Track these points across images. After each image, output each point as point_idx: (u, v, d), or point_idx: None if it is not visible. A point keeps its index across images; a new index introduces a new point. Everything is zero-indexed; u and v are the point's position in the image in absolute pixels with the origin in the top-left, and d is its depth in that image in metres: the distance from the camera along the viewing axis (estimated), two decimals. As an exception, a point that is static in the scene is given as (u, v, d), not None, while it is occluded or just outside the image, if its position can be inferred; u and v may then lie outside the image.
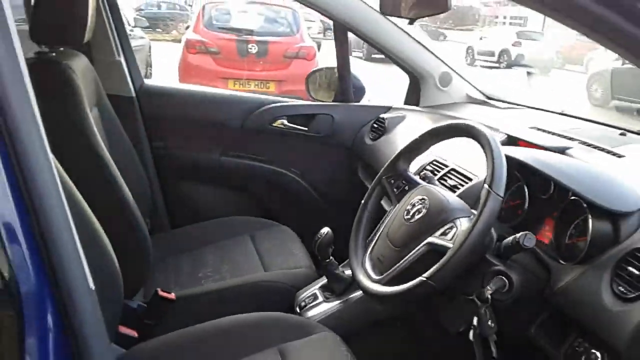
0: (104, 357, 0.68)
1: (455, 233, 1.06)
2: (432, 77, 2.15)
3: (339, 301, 1.49)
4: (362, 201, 1.33)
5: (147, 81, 2.11)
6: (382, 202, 1.37)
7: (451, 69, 2.17)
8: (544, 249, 1.15)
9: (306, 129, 2.15)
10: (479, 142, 1.11)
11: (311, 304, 1.51)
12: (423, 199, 1.17)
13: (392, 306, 1.38)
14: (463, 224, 1.07)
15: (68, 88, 1.37)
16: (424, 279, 1.02)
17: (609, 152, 1.39)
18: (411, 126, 1.99)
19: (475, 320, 1.05)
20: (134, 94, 2.01)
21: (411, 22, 1.22)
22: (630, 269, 0.97)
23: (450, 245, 1.03)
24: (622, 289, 0.96)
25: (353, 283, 1.50)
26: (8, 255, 0.55)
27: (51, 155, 0.64)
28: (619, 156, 1.37)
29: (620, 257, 1.00)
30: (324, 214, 1.56)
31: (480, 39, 16.50)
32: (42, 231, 0.59)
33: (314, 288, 1.56)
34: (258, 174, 2.17)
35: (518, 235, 1.03)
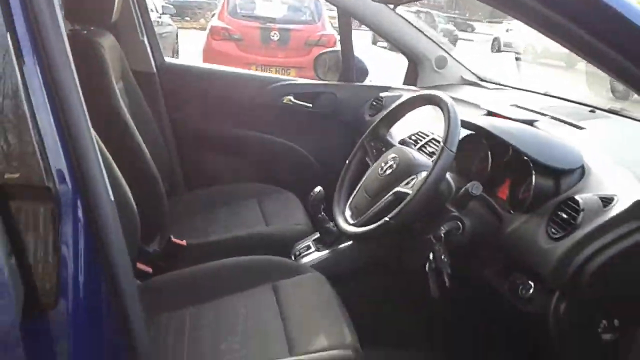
0: (126, 268, 0.85)
1: (415, 182, 1.25)
2: (428, 60, 2.33)
3: (327, 251, 1.70)
4: (347, 161, 1.53)
5: (167, 59, 2.33)
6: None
7: (447, 53, 2.34)
8: (500, 203, 1.34)
9: (311, 105, 2.35)
10: (440, 108, 1.30)
11: (304, 253, 1.72)
12: (395, 156, 1.36)
13: (369, 251, 1.58)
14: (422, 175, 1.26)
15: (98, 61, 1.59)
16: (387, 219, 1.22)
17: (572, 125, 1.57)
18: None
19: (431, 256, 1.24)
20: (155, 70, 2.23)
21: (394, 7, 1.40)
22: (561, 214, 1.15)
23: (410, 191, 1.23)
24: (554, 230, 1.14)
25: (340, 235, 1.71)
26: (50, 163, 0.74)
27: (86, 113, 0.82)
28: (580, 128, 1.54)
29: (557, 204, 1.18)
30: (324, 181, 1.75)
31: (507, 31, 16.42)
32: (77, 156, 0.78)
33: (309, 241, 1.77)
34: (266, 145, 2.38)
35: (468, 184, 1.22)
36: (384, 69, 3.28)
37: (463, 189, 1.23)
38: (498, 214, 1.31)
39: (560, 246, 1.10)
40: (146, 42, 2.21)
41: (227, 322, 1.35)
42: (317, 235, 1.76)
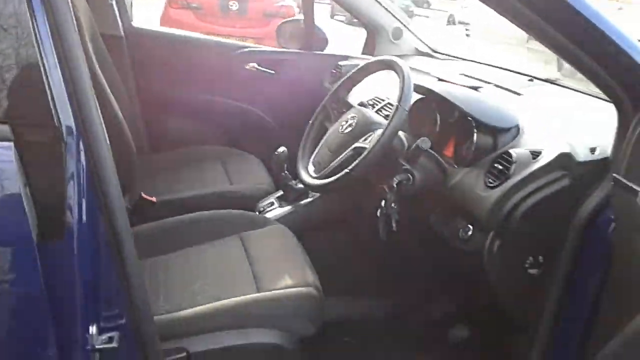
0: (121, 205, 0.92)
1: (371, 138, 1.39)
2: (385, 31, 2.46)
3: (290, 206, 1.83)
4: (310, 121, 1.66)
5: (134, 23, 2.38)
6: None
7: (403, 24, 2.48)
8: (446, 159, 1.50)
9: (274, 72, 2.45)
10: (395, 72, 1.44)
11: (268, 209, 1.85)
12: (354, 116, 1.50)
13: (327, 205, 1.72)
14: (378, 132, 1.40)
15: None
16: (347, 171, 1.36)
17: (511, 91, 1.74)
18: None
19: (383, 203, 1.40)
20: (122, 34, 2.28)
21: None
22: (498, 166, 1.32)
23: (367, 146, 1.37)
24: (490, 180, 1.31)
25: (303, 193, 1.85)
26: (57, 105, 0.84)
27: None
28: (518, 94, 1.71)
29: (494, 158, 1.35)
30: (286, 145, 1.87)
31: (462, 8, 16.72)
32: (78, 101, 0.87)
33: (272, 198, 1.90)
34: (230, 110, 2.47)
35: (418, 140, 1.37)
36: (341, 41, 3.39)
37: (414, 144, 1.38)
38: (444, 169, 1.47)
39: (495, 193, 1.27)
40: (114, 5, 2.25)
41: (198, 267, 1.47)
42: (280, 192, 1.89)
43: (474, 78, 1.91)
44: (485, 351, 1.61)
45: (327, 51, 2.58)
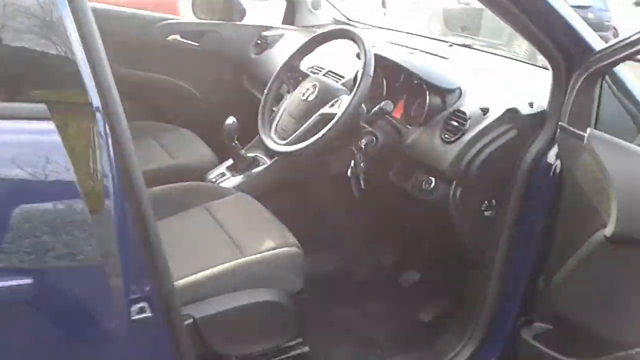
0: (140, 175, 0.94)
1: (339, 104, 1.48)
2: (305, 1, 2.52)
3: (242, 175, 1.87)
4: (265, 91, 1.70)
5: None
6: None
7: (322, -5, 2.56)
8: (397, 119, 1.63)
9: (197, 44, 2.42)
10: (354, 41, 1.54)
11: (220, 180, 1.87)
12: (315, 84, 1.57)
13: (282, 170, 1.79)
14: (345, 98, 1.49)
15: None
16: (322, 135, 1.44)
17: (439, 56, 1.90)
18: (289, 43, 2.36)
19: (352, 163, 1.50)
20: None
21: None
22: (452, 122, 1.47)
23: (336, 111, 1.46)
24: (447, 136, 1.46)
25: (252, 161, 1.89)
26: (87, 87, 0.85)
27: None
28: (445, 58, 1.88)
29: (447, 116, 1.50)
30: (214, 117, 1.87)
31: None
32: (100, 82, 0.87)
33: (222, 168, 1.92)
34: (154, 84, 2.41)
35: (382, 103, 1.48)
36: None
37: (377, 107, 1.49)
38: (398, 129, 1.60)
39: (455, 147, 1.43)
40: None
41: (174, 239, 1.46)
42: (229, 162, 1.92)
43: (402, 46, 2.05)
44: (433, 292, 1.80)
45: (245, 21, 2.60)
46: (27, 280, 0.80)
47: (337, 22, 2.60)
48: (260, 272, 1.35)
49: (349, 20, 2.61)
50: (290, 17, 2.57)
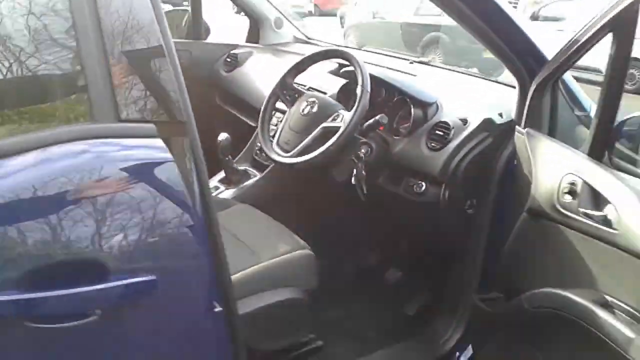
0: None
1: (342, 118, 1.65)
2: (268, 20, 2.67)
3: (236, 188, 1.98)
4: (262, 108, 1.84)
5: None
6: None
7: (282, 15, 2.72)
8: (382, 131, 1.83)
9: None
10: (349, 61, 1.72)
11: (215, 193, 1.98)
12: (314, 100, 1.73)
13: (277, 181, 1.93)
14: (346, 113, 1.66)
15: None
16: (329, 146, 1.60)
17: (407, 73, 2.12)
18: (260, 59, 2.51)
19: (354, 171, 1.67)
20: None
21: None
22: (437, 132, 1.69)
23: (340, 125, 1.63)
24: (433, 144, 1.67)
25: (244, 174, 2.01)
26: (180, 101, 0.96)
27: None
28: (414, 75, 2.11)
29: (431, 127, 1.71)
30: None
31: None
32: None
33: (214, 181, 2.02)
34: None
35: (377, 116, 1.67)
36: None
37: (372, 120, 1.67)
38: (384, 140, 1.79)
39: (442, 154, 1.64)
40: None
41: None
42: (222, 175, 2.03)
43: (370, 63, 2.25)
44: (416, 287, 2.01)
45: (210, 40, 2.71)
46: (151, 277, 0.91)
47: (298, 39, 2.77)
48: (279, 274, 1.48)
49: (309, 38, 2.79)
50: (254, 36, 2.71)
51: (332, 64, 2.16)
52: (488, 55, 1.77)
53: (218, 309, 1.07)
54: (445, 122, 1.68)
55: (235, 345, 1.15)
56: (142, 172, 0.93)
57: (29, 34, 0.92)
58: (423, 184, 1.69)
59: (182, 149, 0.97)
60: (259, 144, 2.01)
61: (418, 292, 2.00)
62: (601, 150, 1.31)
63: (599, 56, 1.31)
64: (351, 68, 1.77)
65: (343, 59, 1.77)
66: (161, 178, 0.94)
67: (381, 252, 2.11)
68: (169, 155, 0.93)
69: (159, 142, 0.93)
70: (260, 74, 2.37)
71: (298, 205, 1.95)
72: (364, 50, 2.63)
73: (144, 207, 0.92)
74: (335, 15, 17.69)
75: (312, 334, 1.64)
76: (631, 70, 9.90)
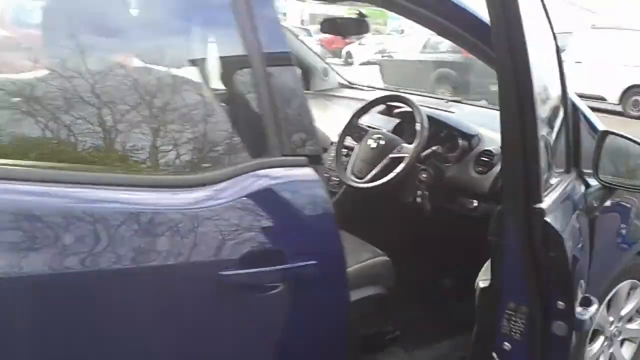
0: None
1: (404, 149, 2.04)
2: (317, 70, 3.10)
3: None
4: (337, 144, 2.24)
5: None
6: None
7: (329, 65, 3.15)
8: (435, 160, 2.21)
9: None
10: (406, 104, 2.12)
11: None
12: (380, 136, 2.12)
13: (352, 208, 2.30)
14: (407, 145, 2.05)
15: None
16: (398, 172, 1.98)
17: (447, 111, 2.52)
18: (315, 105, 2.91)
19: (418, 192, 2.05)
20: None
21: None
22: (483, 159, 2.07)
23: (405, 155, 2.01)
24: (480, 169, 2.05)
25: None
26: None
27: None
28: (452, 112, 2.50)
29: (477, 154, 2.09)
30: None
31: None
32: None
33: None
34: None
35: (434, 147, 2.05)
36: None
37: (430, 150, 2.06)
38: (438, 167, 2.17)
39: (489, 176, 2.02)
40: None
41: None
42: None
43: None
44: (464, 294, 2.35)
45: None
46: (313, 262, 1.24)
47: (342, 85, 3.19)
48: (366, 274, 1.84)
49: (351, 84, 3.21)
50: (305, 84, 3.13)
51: (381, 106, 2.57)
52: (495, 87, 2.13)
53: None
54: (489, 151, 2.06)
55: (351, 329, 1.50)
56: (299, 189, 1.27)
57: None
58: (474, 201, 2.06)
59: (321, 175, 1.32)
60: (326, 174, 2.38)
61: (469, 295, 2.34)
62: None
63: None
64: (406, 109, 2.18)
65: (400, 102, 2.18)
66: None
67: (440, 260, 2.46)
68: (317, 177, 1.27)
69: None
70: (319, 117, 2.75)
71: (370, 223, 2.32)
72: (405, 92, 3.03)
73: (300, 213, 1.26)
74: (340, 56, 18.40)
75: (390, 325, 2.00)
76: (635, 97, 10.38)
